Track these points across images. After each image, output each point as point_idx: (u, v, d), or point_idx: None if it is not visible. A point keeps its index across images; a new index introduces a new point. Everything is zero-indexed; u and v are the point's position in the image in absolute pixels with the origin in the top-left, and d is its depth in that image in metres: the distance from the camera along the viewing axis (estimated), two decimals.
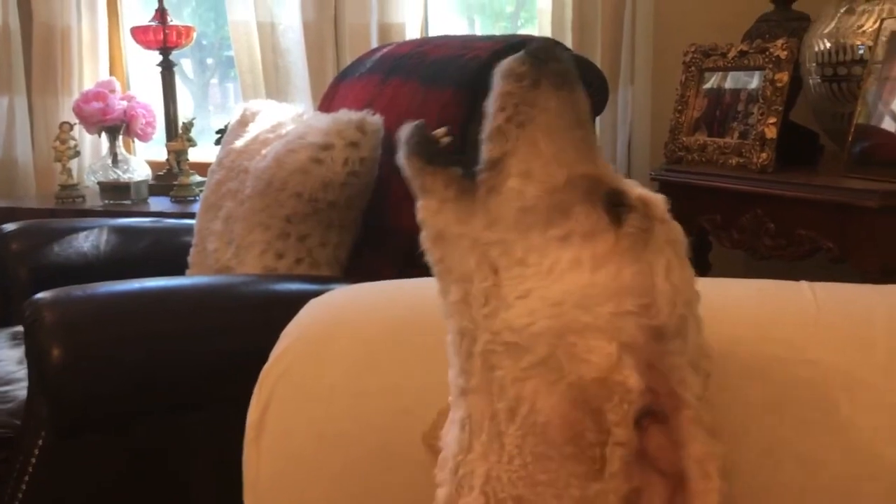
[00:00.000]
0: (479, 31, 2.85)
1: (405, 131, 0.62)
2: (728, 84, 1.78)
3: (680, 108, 1.86)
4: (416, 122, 0.62)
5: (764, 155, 1.61)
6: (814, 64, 1.70)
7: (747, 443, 0.69)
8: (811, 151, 1.78)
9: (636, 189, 0.61)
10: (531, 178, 0.58)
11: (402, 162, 0.62)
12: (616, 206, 0.58)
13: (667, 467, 0.56)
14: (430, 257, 0.62)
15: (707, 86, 1.83)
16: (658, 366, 0.57)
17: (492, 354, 0.57)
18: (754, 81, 1.70)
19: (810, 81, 1.74)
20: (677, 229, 0.61)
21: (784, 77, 1.61)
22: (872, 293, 0.79)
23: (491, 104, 0.60)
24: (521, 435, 0.56)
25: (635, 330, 0.56)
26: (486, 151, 0.59)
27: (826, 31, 1.68)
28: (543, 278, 0.56)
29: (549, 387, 0.56)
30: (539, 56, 0.59)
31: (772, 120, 1.61)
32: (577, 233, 0.57)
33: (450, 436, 0.63)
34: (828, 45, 1.66)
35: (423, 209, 0.61)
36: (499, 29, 2.84)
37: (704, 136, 1.80)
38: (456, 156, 0.61)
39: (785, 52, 1.62)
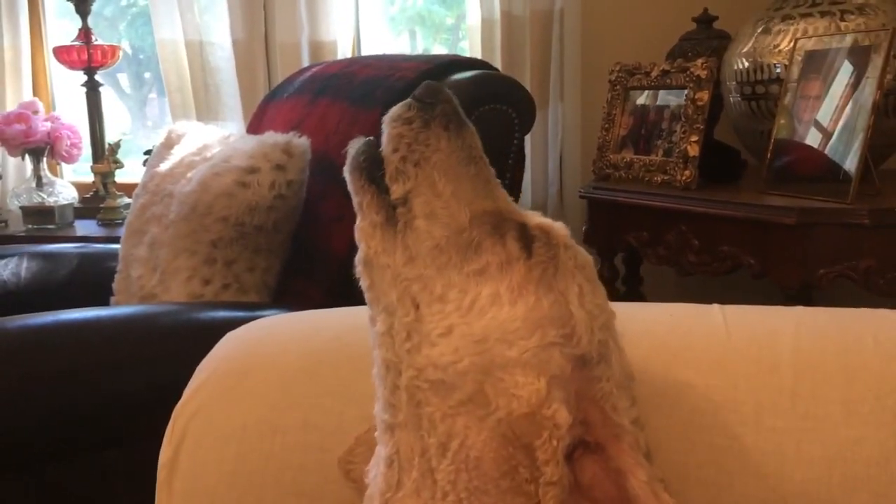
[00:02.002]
0: (421, 43, 2.85)
1: (355, 144, 0.63)
2: (652, 102, 1.81)
3: (607, 125, 1.88)
4: (369, 139, 0.63)
5: (687, 172, 1.64)
6: (733, 82, 1.75)
7: (661, 468, 0.70)
8: (734, 168, 1.82)
9: (535, 218, 0.62)
10: (436, 219, 0.59)
11: (346, 174, 0.62)
12: (521, 237, 0.59)
13: (602, 496, 0.56)
14: (362, 283, 0.62)
15: (632, 104, 1.86)
16: (588, 394, 0.57)
17: (417, 390, 0.57)
18: (677, 100, 1.73)
19: (731, 99, 1.78)
20: (583, 254, 0.62)
21: (704, 96, 1.65)
22: (780, 315, 0.81)
23: (385, 148, 0.61)
24: (455, 470, 0.56)
25: (561, 361, 0.57)
26: (392, 192, 0.60)
27: (744, 50, 1.72)
28: (465, 315, 0.57)
29: (479, 422, 0.56)
30: (425, 100, 0.61)
31: (694, 138, 1.64)
32: (493, 264, 0.58)
33: (375, 471, 0.62)
34: (746, 64, 1.71)
35: (359, 230, 0.61)
36: (440, 41, 2.85)
37: (631, 153, 1.82)
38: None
39: (705, 72, 1.65)
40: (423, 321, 0.57)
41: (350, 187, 0.62)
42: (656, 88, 1.79)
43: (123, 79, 3.15)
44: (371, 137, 0.63)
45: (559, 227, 0.62)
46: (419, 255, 0.58)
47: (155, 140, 1.99)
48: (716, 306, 0.82)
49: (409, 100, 0.61)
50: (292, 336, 0.88)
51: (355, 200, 0.62)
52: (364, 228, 0.61)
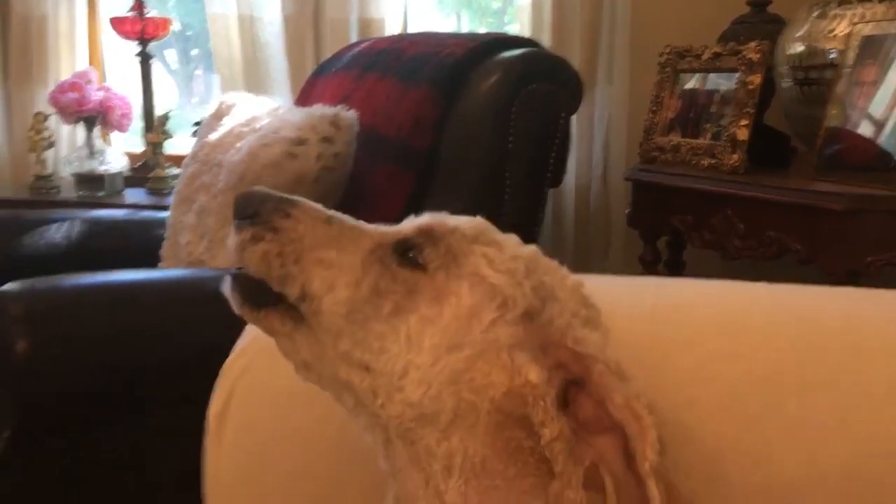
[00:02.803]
0: (466, 26, 2.85)
1: (227, 285, 0.63)
2: (702, 85, 1.79)
3: (654, 108, 1.87)
4: (235, 272, 0.63)
5: (735, 156, 1.63)
6: (786, 67, 1.72)
7: (699, 439, 0.70)
8: (783, 154, 1.80)
9: (409, 225, 0.63)
10: (336, 288, 0.59)
11: (238, 312, 0.63)
12: (406, 253, 0.60)
13: (608, 423, 0.57)
14: (309, 381, 0.63)
15: (682, 87, 1.84)
16: (550, 339, 0.58)
17: (408, 433, 0.59)
18: (728, 83, 1.71)
19: (783, 84, 1.76)
20: (470, 224, 0.63)
21: (756, 79, 1.63)
22: (827, 295, 0.81)
23: (258, 272, 0.60)
24: (464, 482, 0.58)
25: (509, 329, 0.58)
26: (289, 297, 0.60)
27: (799, 34, 1.69)
28: (409, 350, 0.58)
29: (471, 429, 0.58)
30: (249, 212, 0.61)
31: (744, 122, 1.63)
32: (399, 298, 0.59)
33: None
34: (800, 48, 1.68)
35: (280, 348, 0.63)
36: (485, 25, 2.85)
37: (678, 136, 1.81)
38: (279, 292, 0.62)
39: (757, 55, 1.63)
40: (379, 376, 0.58)
41: (248, 320, 0.63)
42: (707, 71, 1.77)
43: (171, 55, 3.20)
44: (237, 269, 0.62)
45: (433, 219, 0.63)
46: (342, 327, 0.59)
47: (201, 115, 2.03)
48: (762, 284, 0.82)
49: (236, 223, 0.61)
50: None
51: (260, 328, 0.63)
52: (283, 347, 0.62)
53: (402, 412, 0.58)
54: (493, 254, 0.60)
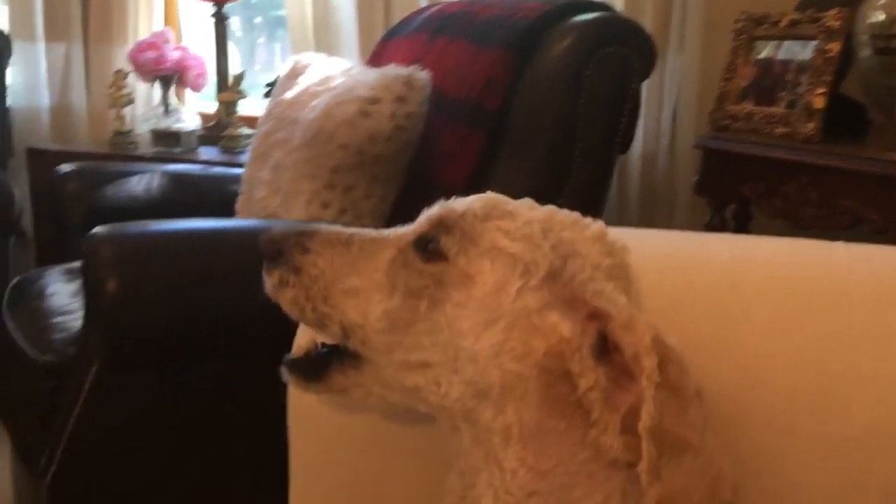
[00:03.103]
0: None
1: (285, 374, 0.69)
2: (778, 53, 1.77)
3: (728, 76, 1.85)
4: (287, 359, 0.69)
5: (811, 125, 1.61)
6: (866, 36, 1.68)
7: (769, 392, 0.71)
8: (859, 124, 1.76)
9: (422, 221, 0.65)
10: (370, 311, 0.63)
11: (304, 391, 0.70)
12: (426, 247, 0.62)
13: None
14: (395, 408, 0.69)
15: (756, 55, 1.82)
16: (575, 295, 0.60)
17: (470, 413, 0.62)
18: (805, 52, 1.69)
19: (862, 54, 1.72)
20: (479, 203, 0.64)
21: (835, 47, 1.60)
22: None
23: (294, 316, 0.66)
24: (521, 447, 0.60)
25: (535, 294, 0.60)
26: (332, 339, 0.65)
27: (881, 2, 1.65)
28: (454, 336, 0.61)
29: (523, 398, 0.60)
30: (273, 253, 0.65)
31: (820, 90, 1.60)
32: (432, 291, 0.61)
33: (451, 477, 0.67)
34: (881, 17, 1.64)
35: (356, 400, 0.68)
36: None
37: (751, 104, 1.79)
38: (326, 351, 0.67)
39: (838, 22, 1.60)
40: (437, 367, 0.62)
41: (315, 393, 0.70)
42: (784, 39, 1.74)
43: (235, 22, 3.25)
44: (288, 356, 0.69)
45: (442, 209, 0.64)
46: (390, 341, 0.63)
47: (263, 82, 2.06)
48: (839, 243, 0.82)
49: (265, 266, 0.65)
50: None
51: (331, 393, 0.70)
52: (358, 396, 0.67)
53: (462, 392, 0.61)
54: (507, 225, 0.62)
